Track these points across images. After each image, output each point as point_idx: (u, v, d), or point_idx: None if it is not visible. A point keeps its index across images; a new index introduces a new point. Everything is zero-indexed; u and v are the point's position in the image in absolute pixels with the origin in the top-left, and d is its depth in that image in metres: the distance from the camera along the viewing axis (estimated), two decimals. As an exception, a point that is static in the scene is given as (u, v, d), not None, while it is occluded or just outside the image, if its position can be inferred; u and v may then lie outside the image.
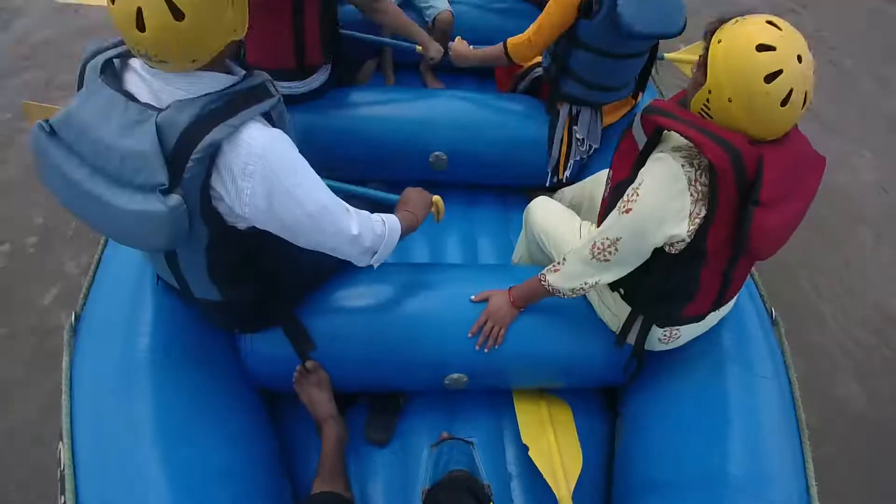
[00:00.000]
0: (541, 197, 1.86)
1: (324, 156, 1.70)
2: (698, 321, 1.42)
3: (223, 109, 0.98)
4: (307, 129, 1.99)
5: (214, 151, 0.98)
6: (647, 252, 1.26)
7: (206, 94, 0.99)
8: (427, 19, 2.51)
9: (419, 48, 2.20)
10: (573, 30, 1.88)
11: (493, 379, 1.59)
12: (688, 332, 1.47)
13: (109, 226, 1.05)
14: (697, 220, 1.17)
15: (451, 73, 2.63)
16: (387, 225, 1.28)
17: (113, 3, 0.90)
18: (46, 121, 1.00)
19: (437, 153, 2.11)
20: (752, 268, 1.46)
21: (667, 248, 1.24)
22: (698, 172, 1.16)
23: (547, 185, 2.18)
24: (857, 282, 2.75)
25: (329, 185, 1.15)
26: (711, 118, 1.14)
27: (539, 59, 2.22)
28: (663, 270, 1.29)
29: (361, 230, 1.19)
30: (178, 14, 0.90)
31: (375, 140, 2.09)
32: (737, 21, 1.10)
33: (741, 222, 1.13)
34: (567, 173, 2.16)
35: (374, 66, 2.59)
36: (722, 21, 1.13)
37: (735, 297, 1.46)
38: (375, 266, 1.30)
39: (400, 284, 1.54)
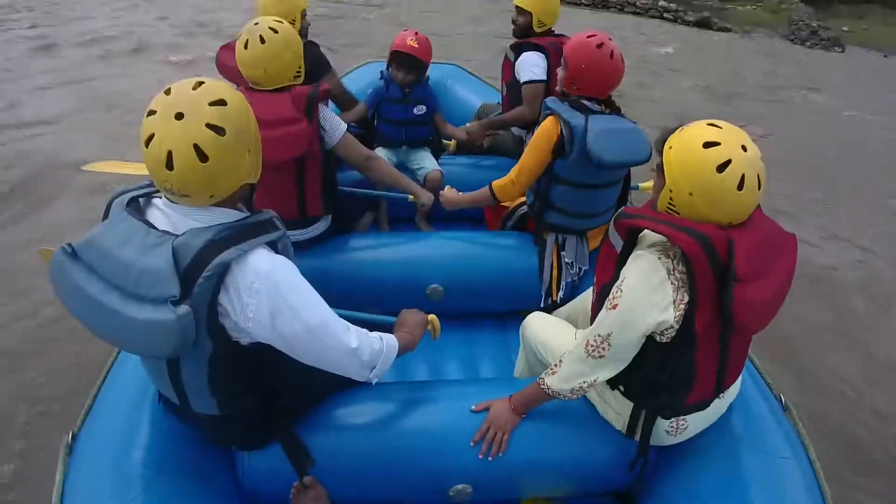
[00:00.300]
0: (535, 312, 1.92)
1: (325, 295, 1.81)
2: (703, 409, 1.40)
3: (234, 236, 1.10)
4: (309, 271, 2.07)
5: (224, 270, 1.08)
6: (638, 343, 1.30)
7: (219, 224, 1.12)
8: (419, 178, 2.78)
9: (411, 197, 2.40)
10: (551, 168, 2.10)
11: (499, 487, 1.51)
12: (695, 423, 1.43)
13: (119, 334, 1.11)
14: (682, 307, 1.23)
15: (444, 223, 2.84)
16: (384, 341, 1.34)
17: (147, 147, 1.06)
18: (69, 244, 1.13)
19: (433, 286, 2.20)
20: (750, 350, 1.46)
21: (658, 338, 1.28)
22: (675, 262, 1.24)
23: (542, 306, 2.24)
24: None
25: None
26: (678, 214, 1.25)
27: (523, 198, 2.41)
28: (658, 360, 1.31)
29: (360, 344, 1.25)
30: (203, 157, 1.05)
31: (374, 278, 2.20)
32: (681, 129, 1.27)
33: (723, 301, 1.18)
34: (560, 294, 2.23)
35: (372, 217, 2.81)
36: (668, 132, 1.31)
37: (738, 382, 1.45)
38: (374, 381, 1.33)
39: (400, 400, 1.54)
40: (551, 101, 2.09)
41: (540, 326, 1.80)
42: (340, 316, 1.32)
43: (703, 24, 15.91)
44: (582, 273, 2.26)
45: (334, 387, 1.52)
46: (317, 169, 2.07)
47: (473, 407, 1.51)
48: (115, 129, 5.09)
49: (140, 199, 1.20)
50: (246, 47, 1.92)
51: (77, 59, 7.36)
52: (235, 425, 1.35)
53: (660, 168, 1.30)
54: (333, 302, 1.65)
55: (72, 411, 1.76)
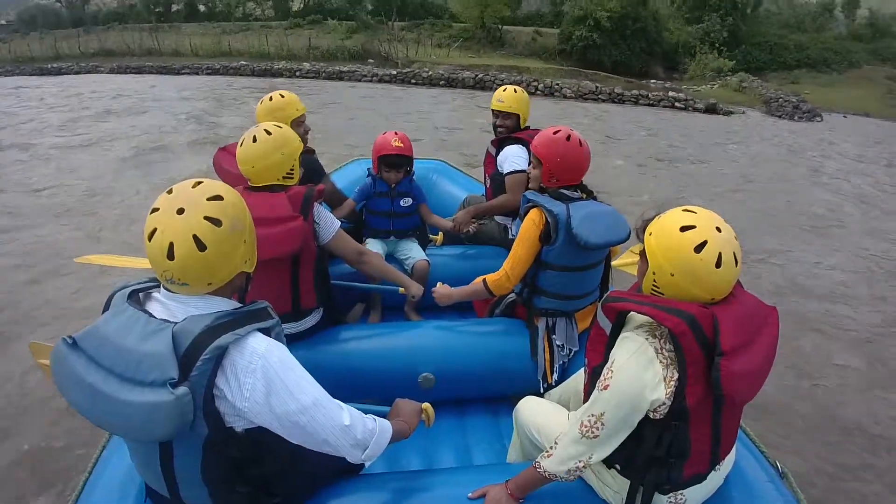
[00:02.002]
0: (528, 396, 1.92)
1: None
2: (700, 482, 1.40)
3: (231, 323, 1.16)
4: (302, 363, 2.07)
5: (221, 353, 1.12)
6: (633, 422, 1.32)
7: (217, 312, 1.18)
8: (406, 268, 2.86)
9: (402, 290, 2.46)
10: (538, 256, 2.18)
11: None
12: (694, 497, 1.42)
13: (118, 419, 1.13)
14: (673, 383, 1.27)
15: (433, 312, 2.87)
16: (378, 423, 1.35)
17: (150, 241, 1.14)
18: (70, 336, 1.17)
19: (425, 374, 2.21)
20: (742, 420, 1.48)
21: (651, 415, 1.31)
22: (662, 341, 1.29)
23: (541, 391, 2.24)
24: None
25: None
26: (663, 294, 1.32)
27: None
28: (653, 436, 1.33)
29: (353, 422, 1.27)
30: (201, 246, 1.13)
31: (366, 368, 2.21)
32: (659, 216, 1.38)
33: (712, 375, 1.23)
34: (555, 377, 2.24)
35: (363, 309, 2.86)
36: (647, 221, 1.42)
37: (733, 452, 1.45)
38: (368, 464, 1.33)
39: (394, 490, 1.51)
40: (531, 195, 2.21)
41: (533, 410, 1.81)
42: None
43: (711, 109, 17.55)
44: (572, 355, 2.29)
45: (327, 477, 1.50)
46: (311, 264, 2.14)
47: (469, 494, 1.48)
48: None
49: (140, 293, 1.25)
50: (241, 145, 2.07)
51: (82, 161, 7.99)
52: None
53: (642, 253, 1.39)
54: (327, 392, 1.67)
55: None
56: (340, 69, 23.99)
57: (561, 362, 2.27)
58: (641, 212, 1.49)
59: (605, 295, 2.49)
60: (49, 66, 29.27)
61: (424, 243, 3.11)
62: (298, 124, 2.75)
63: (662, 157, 10.40)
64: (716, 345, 1.21)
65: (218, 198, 1.19)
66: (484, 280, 2.26)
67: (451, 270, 2.87)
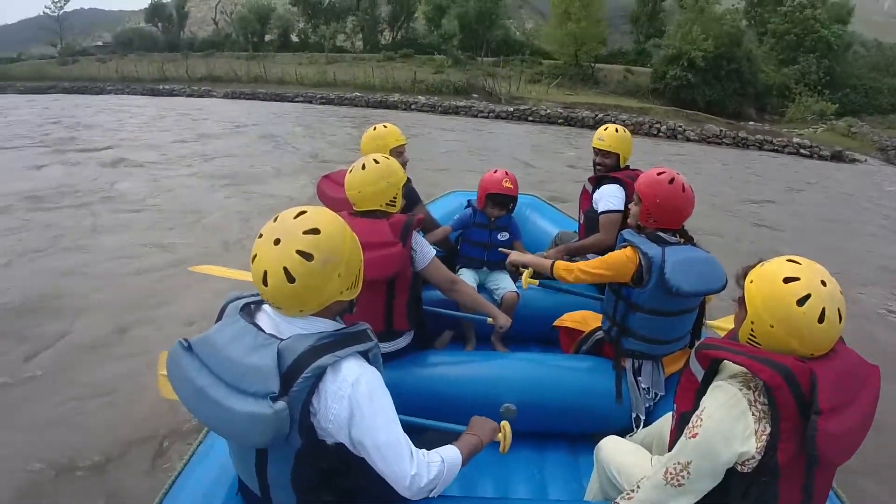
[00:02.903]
0: (611, 436, 1.91)
1: (401, 404, 1.90)
2: None
3: (332, 344, 1.24)
4: (389, 382, 2.17)
5: (321, 374, 1.21)
6: (720, 473, 1.30)
7: (319, 332, 1.27)
8: (496, 298, 2.93)
9: (490, 320, 2.52)
10: (628, 297, 2.19)
11: None
12: None
13: (221, 423, 1.23)
14: (764, 437, 1.24)
15: (519, 344, 2.92)
16: (445, 463, 1.37)
17: (252, 264, 1.25)
18: (185, 339, 1.30)
19: (507, 405, 2.24)
20: (834, 482, 1.42)
21: (739, 468, 1.28)
22: (756, 394, 1.27)
23: (632, 433, 2.22)
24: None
25: (401, 417, 1.32)
26: (759, 345, 1.30)
27: (598, 323, 2.48)
28: (739, 490, 1.30)
29: (418, 471, 1.30)
30: (290, 278, 1.20)
31: (450, 393, 2.28)
32: (762, 264, 1.36)
33: (807, 433, 1.19)
34: (642, 417, 2.22)
35: (451, 335, 2.94)
36: (748, 267, 1.40)
37: None
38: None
39: None
40: (628, 234, 2.22)
41: (615, 450, 1.80)
42: (411, 425, 1.38)
43: (837, 157, 17.04)
44: (658, 399, 2.26)
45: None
46: (405, 288, 2.25)
47: None
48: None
49: (252, 305, 1.37)
50: (350, 172, 2.24)
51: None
52: None
53: (741, 301, 1.37)
54: (408, 410, 1.73)
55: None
56: (456, 104, 24.27)
57: (646, 405, 2.24)
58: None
59: (697, 342, 2.48)
60: (161, 87, 31.91)
61: (514, 278, 3.17)
62: (398, 154, 2.91)
63: (827, 216, 9.60)
64: (813, 402, 1.17)
65: (314, 231, 1.24)
66: (553, 262, 2.33)
67: (538, 304, 2.90)
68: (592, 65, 33.85)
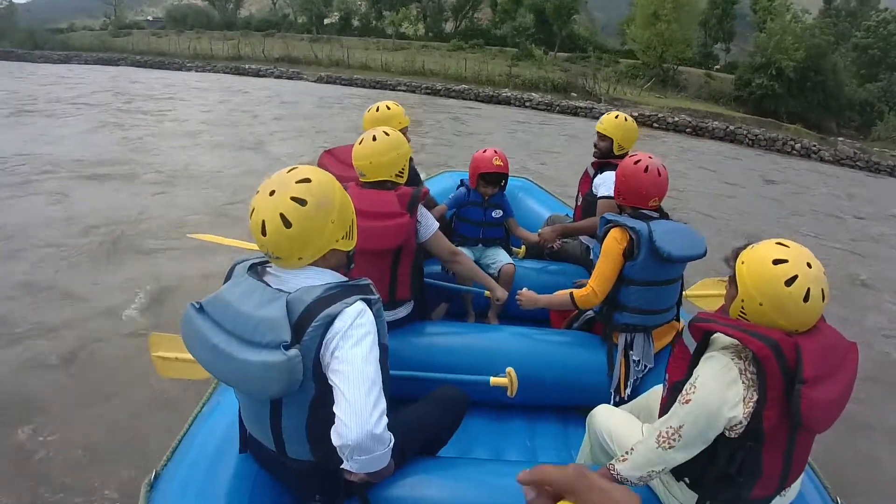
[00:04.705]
0: (603, 404, 2.02)
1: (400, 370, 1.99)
2: None
3: (339, 294, 1.30)
4: (389, 349, 2.34)
5: (330, 321, 1.26)
6: (710, 437, 1.40)
7: (326, 283, 1.32)
8: (493, 272, 3.01)
9: (487, 293, 2.61)
10: (620, 272, 2.27)
11: None
12: None
13: (237, 376, 1.28)
14: (752, 404, 1.35)
15: (512, 321, 2.98)
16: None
17: (251, 218, 1.30)
18: (198, 302, 1.34)
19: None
20: (810, 457, 1.50)
21: (727, 433, 1.39)
22: (746, 363, 1.37)
23: (612, 403, 2.29)
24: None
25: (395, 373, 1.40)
26: (748, 320, 1.41)
27: None
28: (726, 454, 1.40)
29: (382, 417, 1.24)
30: (287, 224, 1.27)
31: (445, 363, 2.32)
32: (752, 246, 1.45)
33: (792, 401, 1.29)
34: (628, 391, 2.32)
35: (446, 308, 3.03)
36: (739, 249, 1.50)
37: (799, 481, 1.49)
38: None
39: (466, 478, 1.64)
40: (610, 216, 2.34)
41: (607, 417, 1.90)
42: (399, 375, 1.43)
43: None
44: (647, 371, 2.35)
45: (413, 452, 1.64)
46: (409, 259, 2.32)
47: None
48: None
49: (258, 266, 1.42)
50: (360, 143, 2.31)
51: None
52: (323, 475, 1.42)
53: (732, 279, 1.48)
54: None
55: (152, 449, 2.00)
56: (576, 105, 22.82)
57: (635, 378, 2.34)
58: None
59: (689, 316, 2.54)
60: (246, 66, 30.51)
61: (508, 254, 3.25)
62: (402, 133, 2.98)
63: None
64: (797, 372, 1.28)
65: (306, 180, 1.31)
66: (571, 293, 2.33)
67: (531, 282, 2.94)
68: (676, 67, 32.55)
